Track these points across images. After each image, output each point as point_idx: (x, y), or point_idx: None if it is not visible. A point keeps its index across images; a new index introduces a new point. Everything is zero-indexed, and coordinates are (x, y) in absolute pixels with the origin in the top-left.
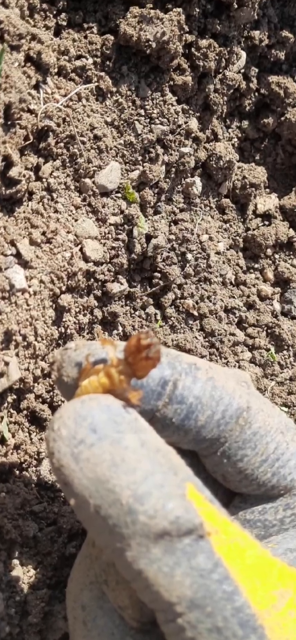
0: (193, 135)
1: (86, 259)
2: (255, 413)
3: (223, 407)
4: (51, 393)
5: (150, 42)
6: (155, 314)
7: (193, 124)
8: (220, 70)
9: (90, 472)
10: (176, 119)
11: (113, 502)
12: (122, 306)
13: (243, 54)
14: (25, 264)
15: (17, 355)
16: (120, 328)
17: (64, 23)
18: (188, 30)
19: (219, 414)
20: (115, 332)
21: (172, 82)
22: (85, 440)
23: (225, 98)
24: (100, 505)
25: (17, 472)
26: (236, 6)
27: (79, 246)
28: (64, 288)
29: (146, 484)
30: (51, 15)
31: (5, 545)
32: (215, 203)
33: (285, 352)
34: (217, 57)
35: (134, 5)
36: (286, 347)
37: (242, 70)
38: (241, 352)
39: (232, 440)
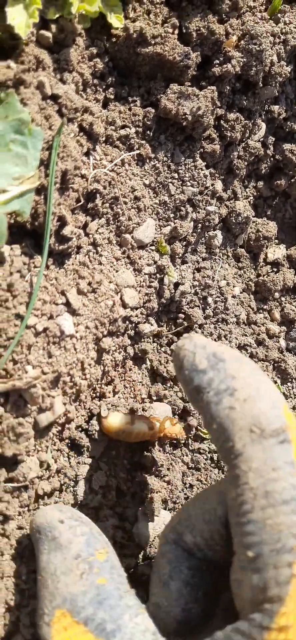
0: (217, 195)
1: (125, 306)
2: None
3: None
4: (89, 423)
5: (186, 115)
6: None
7: (219, 185)
8: (244, 140)
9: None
10: (204, 182)
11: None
12: (150, 343)
13: (263, 125)
14: (73, 312)
15: (63, 392)
16: (148, 362)
17: (112, 96)
18: (219, 105)
19: None
20: (143, 365)
21: (202, 150)
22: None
23: (246, 163)
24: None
25: (58, 493)
26: (261, 85)
27: (119, 294)
28: (105, 332)
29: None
30: (101, 90)
31: None
32: (232, 252)
33: (289, 384)
34: (242, 129)
35: (174, 82)
36: (290, 380)
37: (261, 139)
38: None
39: None
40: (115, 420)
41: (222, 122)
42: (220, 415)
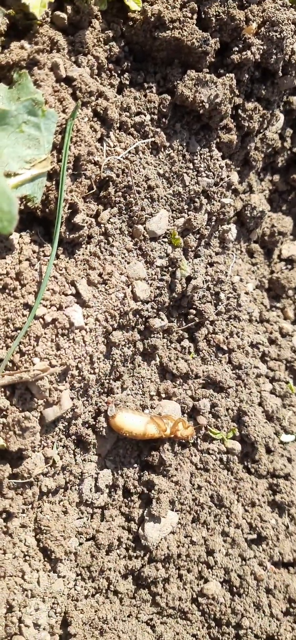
0: (233, 187)
1: (136, 299)
2: None
3: None
4: (96, 419)
5: (204, 103)
6: (189, 347)
7: (234, 177)
8: (261, 131)
9: None
10: (220, 173)
11: None
12: (160, 339)
13: (282, 117)
14: (83, 303)
15: (71, 386)
16: (158, 359)
17: (127, 82)
18: (237, 93)
19: None
20: (153, 362)
21: (218, 139)
22: None
23: (262, 155)
24: None
25: (62, 491)
26: (281, 74)
27: (130, 287)
28: (115, 326)
29: None
30: (116, 75)
31: (51, 562)
32: (245, 247)
33: None
34: (260, 119)
35: (191, 68)
36: None
37: (279, 131)
38: (263, 383)
39: None
40: (124, 420)
41: (239, 111)
42: None
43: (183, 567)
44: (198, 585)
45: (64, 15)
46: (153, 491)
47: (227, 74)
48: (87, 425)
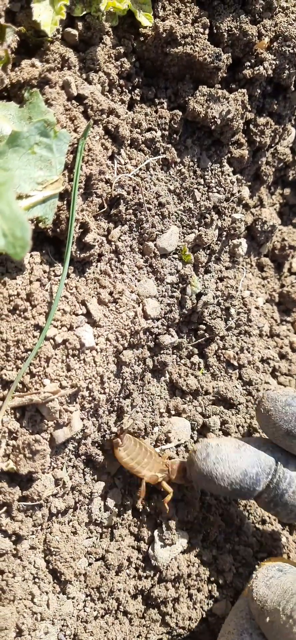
0: (244, 202)
1: (146, 317)
2: None
3: None
4: (104, 438)
5: (215, 119)
6: (199, 363)
7: (245, 192)
8: (273, 145)
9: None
10: (231, 188)
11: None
12: (170, 355)
13: (293, 130)
14: (94, 323)
15: (81, 407)
16: (167, 375)
17: (138, 98)
18: (249, 108)
19: None
20: (162, 378)
21: (229, 155)
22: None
23: (273, 169)
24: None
25: (72, 511)
26: (293, 88)
27: (141, 305)
28: (126, 345)
29: None
30: (127, 91)
31: (60, 584)
32: (256, 261)
33: None
34: (272, 134)
35: (203, 84)
36: None
37: (290, 145)
38: None
39: None
40: (124, 456)
41: (251, 126)
42: None
43: (194, 586)
44: (208, 605)
45: (75, 31)
46: (162, 511)
47: (239, 90)
48: (96, 445)
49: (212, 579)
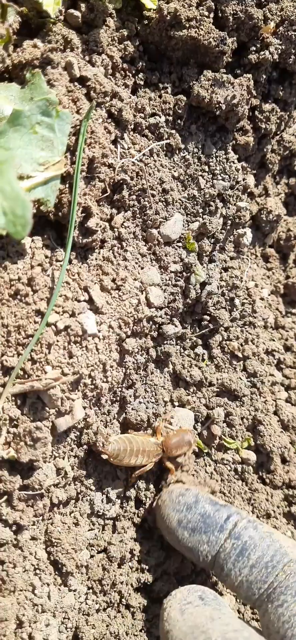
0: (249, 190)
1: (150, 305)
2: None
3: (272, 552)
4: (108, 428)
5: (220, 104)
6: (203, 354)
7: (251, 180)
8: (278, 133)
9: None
10: (236, 176)
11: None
12: (173, 346)
13: None
14: (96, 310)
15: (83, 395)
16: (171, 366)
17: (141, 82)
18: (254, 94)
19: (268, 557)
20: (166, 369)
21: (234, 142)
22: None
23: (279, 157)
24: None
25: (74, 502)
26: None
27: (144, 293)
28: (129, 333)
29: (234, 634)
30: (130, 75)
31: (62, 576)
32: (261, 252)
33: None
34: (277, 121)
35: (208, 69)
36: None
37: None
38: (279, 391)
39: (277, 584)
40: (115, 461)
41: (256, 112)
42: None
43: None
44: None
45: (78, 13)
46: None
47: (244, 75)
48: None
49: None
